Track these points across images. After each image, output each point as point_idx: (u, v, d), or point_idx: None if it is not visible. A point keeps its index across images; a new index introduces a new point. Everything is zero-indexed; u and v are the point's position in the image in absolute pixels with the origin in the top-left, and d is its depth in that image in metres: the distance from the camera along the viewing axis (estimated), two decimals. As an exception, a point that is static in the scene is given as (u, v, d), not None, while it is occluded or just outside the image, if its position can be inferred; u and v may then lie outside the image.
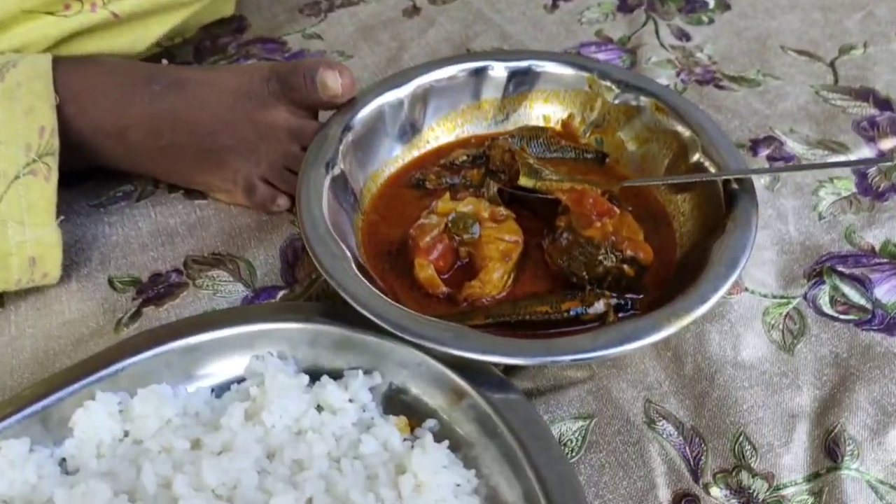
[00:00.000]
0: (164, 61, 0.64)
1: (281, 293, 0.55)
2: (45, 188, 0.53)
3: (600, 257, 0.50)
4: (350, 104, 0.59)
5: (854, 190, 0.60)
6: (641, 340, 0.44)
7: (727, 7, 0.82)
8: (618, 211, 0.52)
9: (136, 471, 0.42)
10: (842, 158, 0.63)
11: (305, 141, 0.59)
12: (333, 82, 0.58)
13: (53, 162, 0.54)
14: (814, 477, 0.43)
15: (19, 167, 0.52)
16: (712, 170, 0.55)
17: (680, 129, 0.58)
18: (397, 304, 0.47)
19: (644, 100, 0.61)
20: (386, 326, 0.45)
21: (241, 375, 0.48)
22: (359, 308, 0.46)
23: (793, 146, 0.64)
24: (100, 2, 0.59)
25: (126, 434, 0.45)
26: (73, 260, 0.58)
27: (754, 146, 0.64)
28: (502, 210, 0.54)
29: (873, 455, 0.43)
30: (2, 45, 0.57)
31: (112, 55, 0.61)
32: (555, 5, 0.84)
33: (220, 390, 0.48)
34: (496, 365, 0.46)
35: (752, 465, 0.43)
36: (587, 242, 0.50)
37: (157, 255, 0.59)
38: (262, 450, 0.42)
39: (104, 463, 0.43)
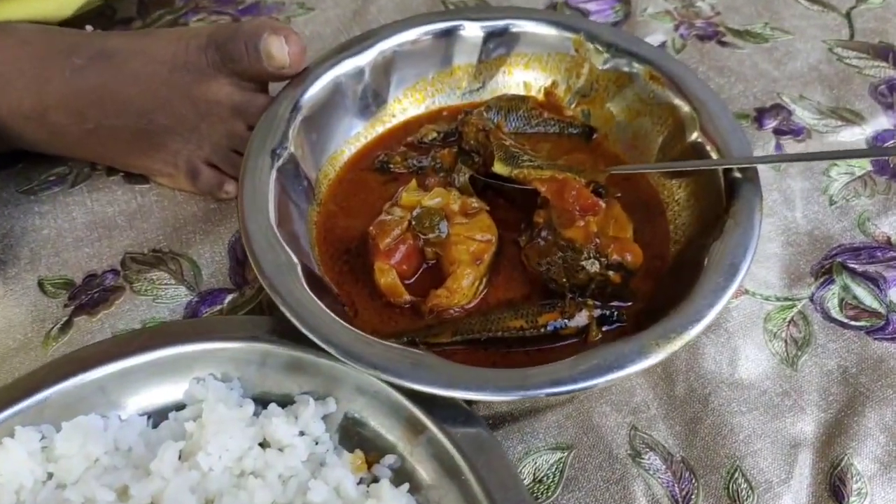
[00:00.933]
0: (89, 27, 0.56)
1: (229, 297, 0.50)
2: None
3: (583, 262, 0.44)
4: (302, 76, 0.52)
5: (869, 168, 0.54)
6: (626, 369, 0.38)
7: (733, -60, 0.73)
8: (603, 205, 0.46)
9: (57, 526, 0.37)
10: (857, 130, 0.56)
11: (252, 119, 0.52)
12: (279, 51, 0.50)
13: (-37, 154, 0.47)
14: (816, 521, 0.39)
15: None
16: (712, 152, 0.48)
17: (677, 102, 0.51)
18: (350, 327, 0.41)
19: (637, 66, 0.54)
20: (337, 355, 0.39)
21: (181, 400, 0.43)
22: (307, 333, 0.40)
23: (802, 116, 0.57)
24: None
25: (50, 476, 0.40)
26: (0, 258, 0.52)
27: (760, 116, 0.57)
28: (474, 202, 0.48)
29: (883, 493, 0.39)
30: None
31: (35, 21, 0.53)
32: (541, -57, 0.75)
33: (157, 417, 0.43)
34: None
35: (747, 507, 0.39)
36: (568, 245, 0.44)
37: (92, 252, 0.53)
38: (196, 500, 0.38)
39: (23, 514, 0.38)
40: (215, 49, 0.51)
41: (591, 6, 0.68)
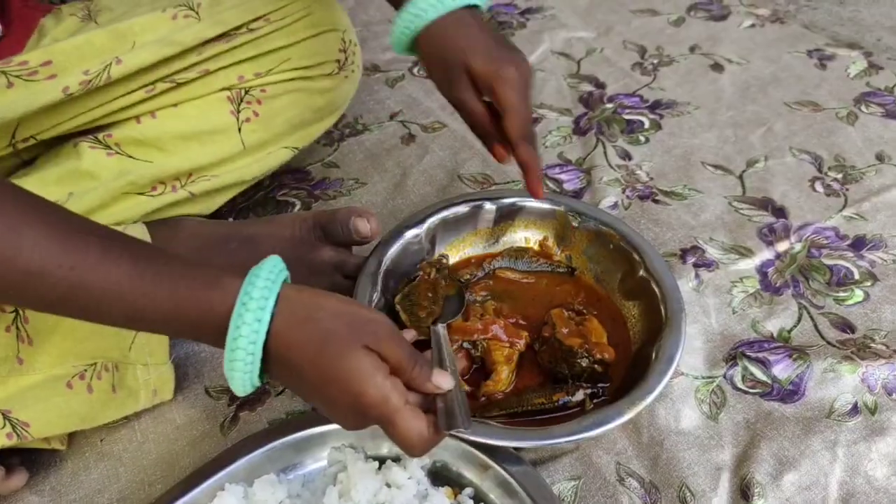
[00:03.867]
0: (231, 219, 0.82)
1: (340, 394, 0.74)
2: (160, 336, 0.70)
3: (578, 360, 0.69)
4: (383, 244, 0.78)
5: (758, 287, 0.81)
6: (610, 424, 0.63)
7: (659, 127, 1.04)
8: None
9: (267, 541, 0.59)
10: (749, 261, 0.84)
11: (345, 270, 0.78)
12: (364, 227, 0.77)
13: (164, 312, 0.71)
14: (732, 512, 0.63)
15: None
16: (654, 285, 0.75)
17: (628, 250, 0.78)
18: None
19: (603, 227, 0.81)
20: (433, 424, 0.63)
21: (324, 464, 0.66)
22: (411, 411, 0.64)
23: (712, 252, 0.85)
24: (179, 184, 0.77)
25: (251, 514, 0.63)
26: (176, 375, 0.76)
27: (683, 255, 0.85)
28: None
29: (773, 494, 0.63)
30: (105, 220, 0.74)
31: (193, 215, 0.79)
32: (524, 130, 1.04)
33: (310, 475, 0.66)
34: (511, 446, 0.65)
35: (691, 506, 0.63)
36: (568, 351, 0.70)
37: (238, 368, 0.76)
38: (354, 521, 0.60)
39: (240, 537, 0.61)
40: (320, 228, 0.78)
41: (563, 177, 0.97)
